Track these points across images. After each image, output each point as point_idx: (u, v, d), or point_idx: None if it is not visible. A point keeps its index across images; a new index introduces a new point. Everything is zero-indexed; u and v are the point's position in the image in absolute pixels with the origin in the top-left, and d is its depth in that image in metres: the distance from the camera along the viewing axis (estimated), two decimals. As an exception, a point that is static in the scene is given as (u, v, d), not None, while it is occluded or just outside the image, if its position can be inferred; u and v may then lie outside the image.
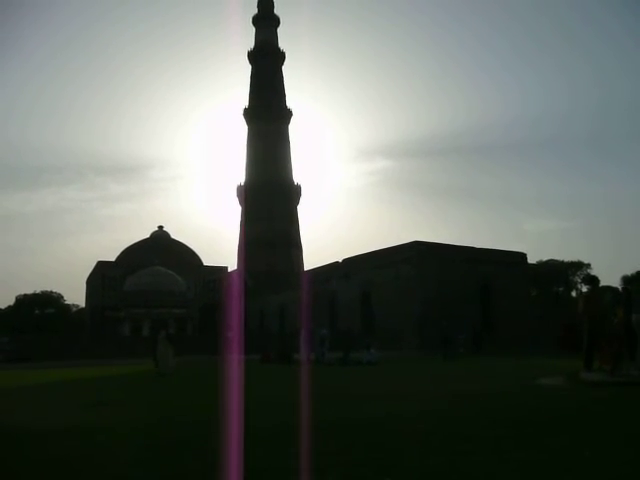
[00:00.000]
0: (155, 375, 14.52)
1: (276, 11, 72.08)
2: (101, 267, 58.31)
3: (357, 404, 7.07)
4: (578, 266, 64.46)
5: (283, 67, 70.64)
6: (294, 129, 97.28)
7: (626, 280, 53.19)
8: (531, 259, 43.81)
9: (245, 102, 69.68)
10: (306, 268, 56.11)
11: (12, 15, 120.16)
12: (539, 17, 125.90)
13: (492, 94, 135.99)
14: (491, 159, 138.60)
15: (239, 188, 67.02)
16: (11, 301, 74.92)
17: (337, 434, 4.78)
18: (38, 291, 75.20)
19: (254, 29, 71.40)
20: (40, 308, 75.02)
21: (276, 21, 71.54)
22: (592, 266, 64.10)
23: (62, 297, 77.91)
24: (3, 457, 4.26)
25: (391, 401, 7.32)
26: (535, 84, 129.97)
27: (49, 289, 76.66)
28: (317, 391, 8.58)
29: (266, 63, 68.63)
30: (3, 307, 76.02)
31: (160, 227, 67.28)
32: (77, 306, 78.52)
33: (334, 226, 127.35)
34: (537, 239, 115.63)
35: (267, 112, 66.52)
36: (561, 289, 64.07)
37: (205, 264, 64.67)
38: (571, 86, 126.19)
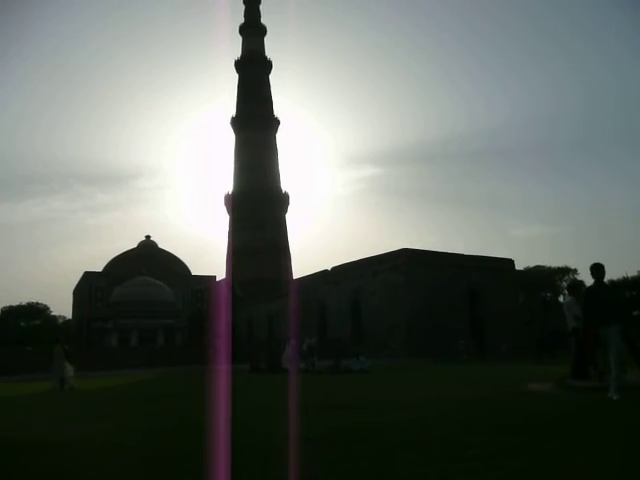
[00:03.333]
0: (48, 391, 13.82)
1: (263, 20, 72.49)
2: (88, 277, 57.73)
3: (347, 413, 7.03)
4: (565, 271, 64.94)
5: (270, 76, 70.92)
6: (282, 137, 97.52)
7: (612, 285, 53.64)
8: (519, 265, 44.15)
9: (232, 111, 69.86)
10: (295, 276, 56.00)
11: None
12: (524, 23, 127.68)
13: (479, 100, 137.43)
14: (479, 165, 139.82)
15: (227, 197, 66.89)
16: (-4, 313, 73.98)
17: (328, 443, 4.74)
18: (24, 302, 74.31)
19: (241, 38, 71.64)
20: (26, 320, 74.09)
21: (263, 30, 71.83)
22: (579, 271, 64.66)
23: (48, 308, 77.09)
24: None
25: (382, 409, 7.29)
26: (521, 89, 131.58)
27: (35, 300, 75.84)
28: (307, 400, 8.53)
29: (253, 72, 68.82)
30: (-12, 319, 75.01)
31: (147, 237, 66.84)
32: (64, 317, 77.64)
33: (323, 234, 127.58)
34: (525, 245, 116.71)
35: (254, 121, 66.61)
36: (549, 295, 64.47)
37: (193, 273, 64.30)
38: (557, 91, 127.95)
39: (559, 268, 65.02)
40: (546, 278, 63.34)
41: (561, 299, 62.86)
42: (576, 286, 11.04)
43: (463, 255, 36.31)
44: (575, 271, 64.48)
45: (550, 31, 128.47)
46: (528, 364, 18.71)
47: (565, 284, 63.75)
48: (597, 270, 7.32)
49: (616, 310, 7.02)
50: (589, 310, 7.26)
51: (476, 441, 4.50)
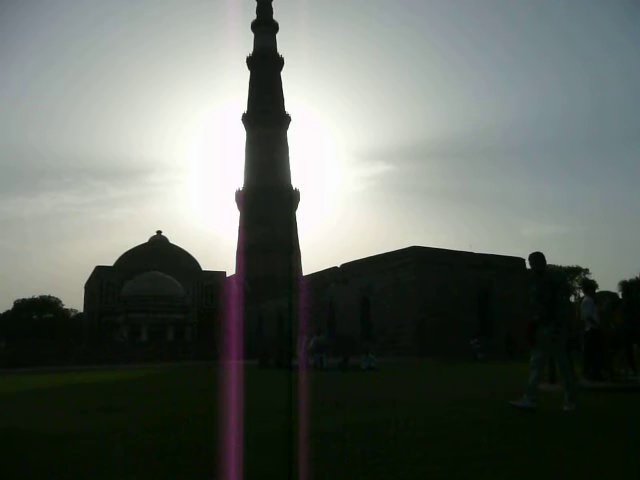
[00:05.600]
0: None
1: (275, 17, 72.45)
2: (99, 272, 58.20)
3: (355, 410, 7.04)
4: (576, 271, 64.49)
5: (282, 72, 70.92)
6: (293, 134, 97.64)
7: (624, 286, 53.15)
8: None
9: (244, 107, 69.92)
10: (305, 273, 56.07)
11: (12, 17, 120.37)
12: (535, 21, 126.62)
13: (490, 98, 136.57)
14: (490, 163, 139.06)
15: (238, 193, 67.07)
16: (9, 306, 74.91)
17: (335, 440, 4.75)
18: (36, 296, 75.09)
19: (253, 35, 71.69)
20: (38, 313, 74.87)
21: (275, 27, 71.82)
22: (590, 271, 64.21)
23: (60, 302, 77.84)
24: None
25: (390, 407, 7.29)
26: (532, 88, 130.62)
27: (47, 294, 76.61)
28: (316, 397, 8.55)
29: (265, 68, 68.85)
30: (1, 312, 75.91)
31: (158, 232, 67.20)
32: (75, 311, 78.37)
33: (333, 231, 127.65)
34: (535, 244, 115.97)
35: (266, 117, 66.66)
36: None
37: (204, 269, 64.58)
38: (568, 89, 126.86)
39: (570, 268, 64.55)
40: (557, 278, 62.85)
41: (572, 299, 62.39)
42: (592, 286, 10.86)
43: (474, 254, 36.09)
44: (587, 271, 64.08)
45: (561, 30, 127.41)
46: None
47: (577, 284, 63.34)
48: (535, 259, 6.86)
49: (552, 308, 6.39)
50: (530, 305, 6.72)
51: (484, 440, 4.49)
